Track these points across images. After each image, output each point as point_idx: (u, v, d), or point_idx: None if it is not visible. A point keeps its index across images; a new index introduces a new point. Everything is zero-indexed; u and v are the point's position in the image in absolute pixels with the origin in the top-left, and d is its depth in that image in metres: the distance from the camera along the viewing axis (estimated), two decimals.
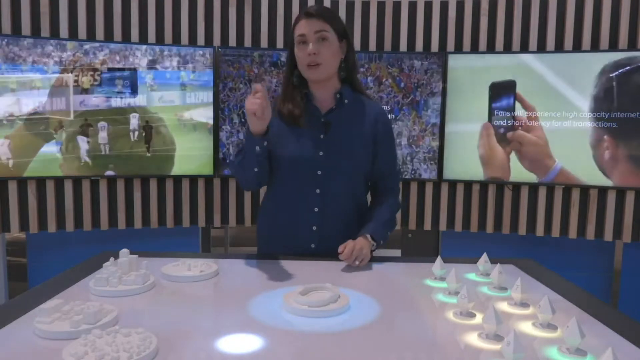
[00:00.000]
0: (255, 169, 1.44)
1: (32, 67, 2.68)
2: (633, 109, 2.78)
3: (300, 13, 1.48)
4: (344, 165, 1.50)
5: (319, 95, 1.53)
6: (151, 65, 2.87)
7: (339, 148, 1.49)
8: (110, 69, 2.79)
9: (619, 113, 2.80)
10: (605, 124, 2.82)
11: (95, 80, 2.77)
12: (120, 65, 2.81)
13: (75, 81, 2.74)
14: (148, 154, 2.93)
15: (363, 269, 1.40)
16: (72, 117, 2.77)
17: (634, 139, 2.80)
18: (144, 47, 2.85)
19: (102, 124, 2.82)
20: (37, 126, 2.73)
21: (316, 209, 1.50)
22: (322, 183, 1.49)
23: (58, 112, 2.74)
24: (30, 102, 2.69)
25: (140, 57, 2.83)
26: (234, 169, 1.50)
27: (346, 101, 1.53)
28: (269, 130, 1.39)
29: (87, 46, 2.76)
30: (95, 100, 2.78)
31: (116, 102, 2.83)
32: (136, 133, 2.89)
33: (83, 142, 2.81)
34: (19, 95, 2.67)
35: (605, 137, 2.84)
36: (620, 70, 2.78)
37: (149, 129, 2.91)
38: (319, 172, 1.48)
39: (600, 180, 2.88)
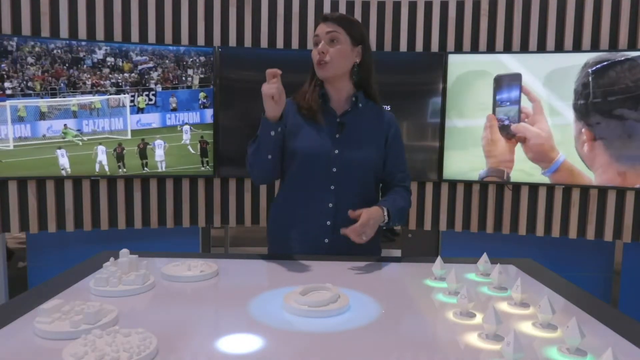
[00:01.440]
0: (269, 156, 1.48)
1: (92, 89, 2.81)
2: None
3: (320, 18, 1.58)
4: (358, 163, 1.55)
5: (334, 97, 1.60)
6: (204, 83, 2.96)
7: (354, 146, 1.55)
8: (164, 88, 2.90)
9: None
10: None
11: (150, 99, 2.88)
12: (174, 84, 2.92)
13: (132, 101, 2.86)
14: (203, 168, 3.02)
15: (363, 269, 1.40)
16: (129, 136, 2.89)
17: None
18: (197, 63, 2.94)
19: (158, 142, 2.92)
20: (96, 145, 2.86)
21: (330, 205, 1.54)
22: (336, 179, 1.54)
23: (116, 132, 2.87)
24: (91, 123, 2.82)
25: (193, 76, 2.94)
26: (248, 158, 1.54)
27: (360, 105, 1.59)
28: (284, 117, 1.46)
29: (141, 67, 2.86)
30: (151, 119, 2.91)
31: (171, 120, 2.94)
32: (193, 149, 3.01)
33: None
34: (80, 117, 2.81)
35: (583, 130, 2.88)
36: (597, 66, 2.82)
37: (204, 144, 3.00)
38: (334, 169, 1.53)
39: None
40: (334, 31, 1.51)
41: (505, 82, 2.95)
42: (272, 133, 1.44)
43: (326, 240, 1.55)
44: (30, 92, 2.70)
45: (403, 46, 3.05)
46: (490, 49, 3.01)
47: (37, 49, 2.70)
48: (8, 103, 2.67)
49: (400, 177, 1.65)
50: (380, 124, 1.61)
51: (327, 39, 1.52)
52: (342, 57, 1.53)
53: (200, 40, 2.97)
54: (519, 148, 2.98)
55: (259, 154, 1.49)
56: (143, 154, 2.93)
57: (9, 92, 2.67)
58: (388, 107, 3.00)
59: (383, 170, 1.62)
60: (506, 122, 2.96)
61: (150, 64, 2.87)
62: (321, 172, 1.54)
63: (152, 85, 2.89)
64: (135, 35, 2.89)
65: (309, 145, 1.54)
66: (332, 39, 1.52)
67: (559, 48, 2.94)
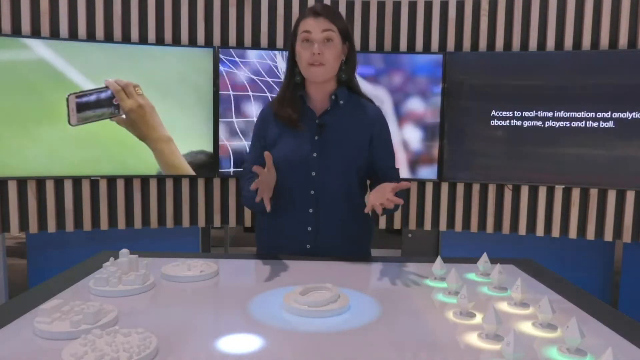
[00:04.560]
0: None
1: None
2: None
3: (306, 10, 1.48)
4: (338, 166, 1.50)
5: (314, 96, 1.53)
6: None
7: (333, 149, 1.49)
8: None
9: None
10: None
11: None
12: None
13: None
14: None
15: (363, 269, 1.40)
16: None
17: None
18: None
19: None
20: None
21: (311, 210, 1.50)
22: (316, 184, 1.49)
23: None
24: None
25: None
26: (242, 197, 1.57)
27: (341, 102, 1.52)
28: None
29: None
30: None
31: None
32: None
33: None
34: None
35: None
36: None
37: None
38: (313, 173, 1.49)
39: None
40: (330, 30, 1.43)
41: None
42: (261, 209, 1.42)
43: (308, 246, 1.52)
44: None
45: (403, 46, 3.05)
46: (490, 49, 3.01)
47: None
48: None
49: (391, 174, 1.58)
50: (364, 121, 1.54)
51: (322, 38, 1.43)
52: (337, 58, 1.47)
53: (200, 40, 2.97)
54: None
55: (256, 211, 1.56)
56: None
57: None
58: (386, 106, 3.00)
59: (372, 168, 1.56)
60: None
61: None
62: (300, 177, 1.49)
63: None
64: (135, 36, 2.89)
65: (286, 152, 1.49)
66: (328, 38, 1.43)
67: (559, 48, 2.94)
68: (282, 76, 2.93)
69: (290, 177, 1.49)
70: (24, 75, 2.68)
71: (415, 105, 3.03)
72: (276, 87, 2.96)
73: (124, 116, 2.81)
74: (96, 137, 2.82)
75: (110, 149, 2.86)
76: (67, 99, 2.70)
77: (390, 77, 3.01)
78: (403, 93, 3.02)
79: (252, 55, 2.96)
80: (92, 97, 2.74)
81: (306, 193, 1.50)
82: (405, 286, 1.27)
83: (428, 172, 3.07)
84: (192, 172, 2.98)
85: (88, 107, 2.74)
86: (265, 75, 2.98)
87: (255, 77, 2.98)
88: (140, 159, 2.90)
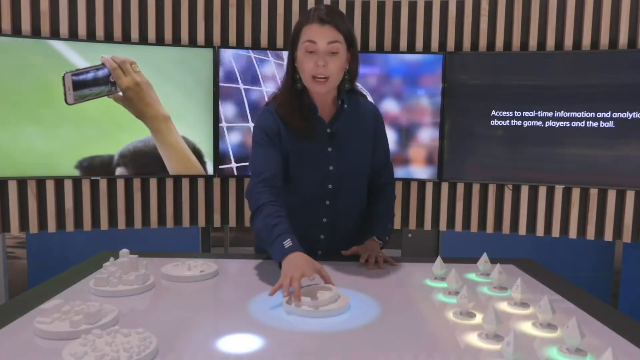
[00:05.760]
0: None
1: None
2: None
3: (310, 14, 1.37)
4: (353, 177, 1.52)
5: (318, 102, 1.47)
6: None
7: (348, 161, 1.50)
8: None
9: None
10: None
11: None
12: None
13: None
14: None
15: (363, 269, 1.40)
16: None
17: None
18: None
19: None
20: None
21: (325, 220, 1.52)
22: (331, 195, 1.50)
23: None
24: None
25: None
26: (253, 226, 1.42)
27: (345, 106, 1.50)
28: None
29: None
30: None
31: None
32: None
33: None
34: None
35: None
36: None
37: None
38: (330, 186, 1.49)
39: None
40: (336, 41, 1.34)
41: None
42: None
43: (319, 252, 1.53)
44: None
45: (403, 46, 3.05)
46: (490, 49, 3.01)
47: None
48: None
49: (386, 170, 1.62)
50: (367, 121, 1.53)
51: (328, 50, 1.33)
52: (341, 69, 1.39)
53: (200, 40, 2.97)
54: None
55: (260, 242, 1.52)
56: None
57: None
58: (386, 106, 3.00)
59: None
60: None
61: None
62: (316, 190, 1.49)
63: None
64: (135, 36, 2.89)
65: (304, 165, 1.46)
66: (334, 51, 1.34)
67: (559, 48, 2.94)
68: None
69: (306, 189, 1.49)
70: (22, 57, 2.67)
71: (415, 105, 3.03)
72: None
73: (121, 93, 2.79)
74: (93, 117, 2.79)
75: (106, 129, 2.83)
76: (63, 77, 2.67)
77: (390, 77, 3.01)
78: (403, 93, 3.02)
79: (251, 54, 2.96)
80: (89, 75, 2.70)
81: (321, 204, 1.51)
82: (405, 286, 1.27)
83: (428, 172, 3.07)
84: (190, 155, 2.96)
85: (85, 85, 2.71)
86: (261, 76, 2.98)
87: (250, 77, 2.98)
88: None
